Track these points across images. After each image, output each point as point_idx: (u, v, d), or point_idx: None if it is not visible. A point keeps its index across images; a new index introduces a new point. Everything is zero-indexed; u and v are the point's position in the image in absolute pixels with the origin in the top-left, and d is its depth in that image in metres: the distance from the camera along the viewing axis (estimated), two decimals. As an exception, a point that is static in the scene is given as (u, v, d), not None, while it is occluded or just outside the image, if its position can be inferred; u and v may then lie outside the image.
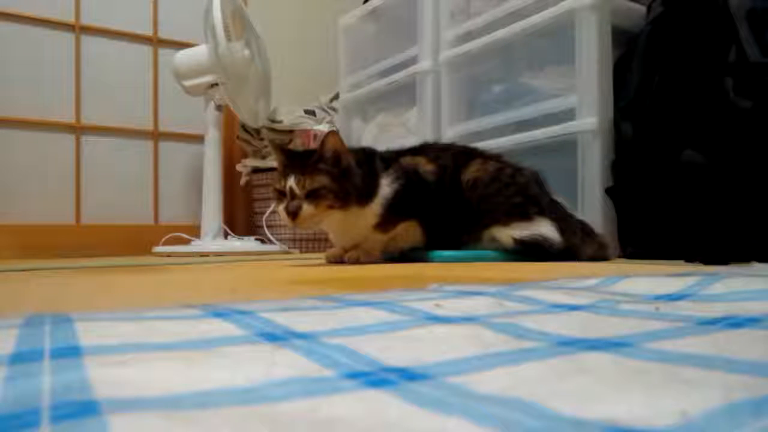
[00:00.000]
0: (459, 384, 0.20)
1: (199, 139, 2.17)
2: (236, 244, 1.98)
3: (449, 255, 1.14)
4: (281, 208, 1.08)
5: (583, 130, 1.29)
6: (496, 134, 1.52)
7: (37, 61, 2.12)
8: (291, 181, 1.06)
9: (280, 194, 1.08)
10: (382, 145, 1.52)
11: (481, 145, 1.43)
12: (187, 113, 2.33)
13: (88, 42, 2.22)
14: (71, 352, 0.23)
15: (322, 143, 1.09)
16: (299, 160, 1.09)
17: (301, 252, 2.13)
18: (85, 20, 2.21)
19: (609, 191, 1.26)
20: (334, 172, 1.07)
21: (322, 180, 1.06)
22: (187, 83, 1.98)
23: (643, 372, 0.21)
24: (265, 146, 2.26)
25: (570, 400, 0.18)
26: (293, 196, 1.06)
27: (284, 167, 1.09)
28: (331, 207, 1.07)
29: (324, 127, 2.23)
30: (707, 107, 1.09)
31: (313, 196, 1.06)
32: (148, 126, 2.34)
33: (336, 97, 2.33)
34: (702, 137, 1.10)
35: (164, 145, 2.38)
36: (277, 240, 2.14)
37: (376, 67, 1.97)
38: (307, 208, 1.05)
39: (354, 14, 2.10)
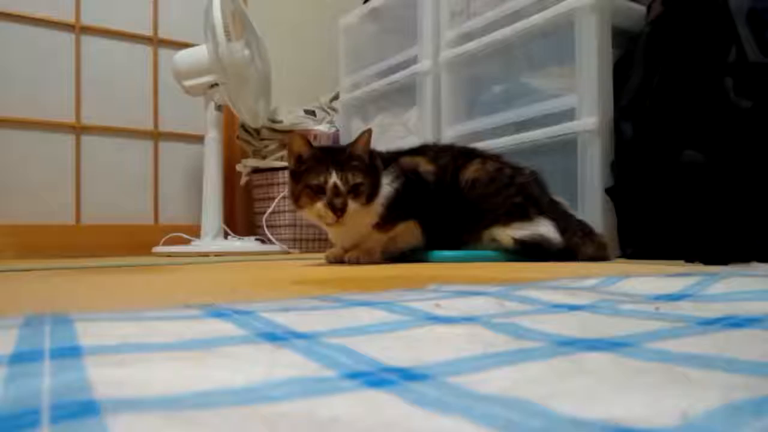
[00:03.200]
0: (459, 384, 0.20)
1: (199, 139, 2.17)
2: (236, 244, 1.98)
3: (449, 255, 1.14)
4: (320, 204, 1.05)
5: (583, 130, 1.29)
6: (496, 134, 1.52)
7: (37, 61, 2.12)
8: (334, 177, 1.04)
9: (317, 191, 1.06)
10: (382, 145, 1.52)
11: (481, 145, 1.43)
12: (187, 113, 2.33)
13: (88, 42, 2.22)
14: (71, 352, 0.23)
15: (358, 139, 1.09)
16: (333, 155, 1.08)
17: (301, 252, 2.13)
18: (85, 20, 2.21)
19: (609, 191, 1.26)
20: (363, 168, 1.08)
21: (360, 176, 1.06)
22: (187, 83, 1.98)
23: (643, 372, 0.21)
24: (266, 146, 2.26)
25: (570, 400, 0.18)
26: (337, 192, 1.05)
27: (318, 163, 1.07)
28: (363, 204, 1.07)
29: (324, 127, 2.23)
30: (707, 107, 1.09)
31: (354, 191, 1.06)
32: (148, 126, 2.34)
33: (336, 97, 2.33)
34: (702, 137, 1.10)
35: (164, 145, 2.38)
36: (277, 240, 2.14)
37: (376, 67, 1.97)
38: (352, 204, 1.05)
39: (354, 14, 2.10)
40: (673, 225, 1.14)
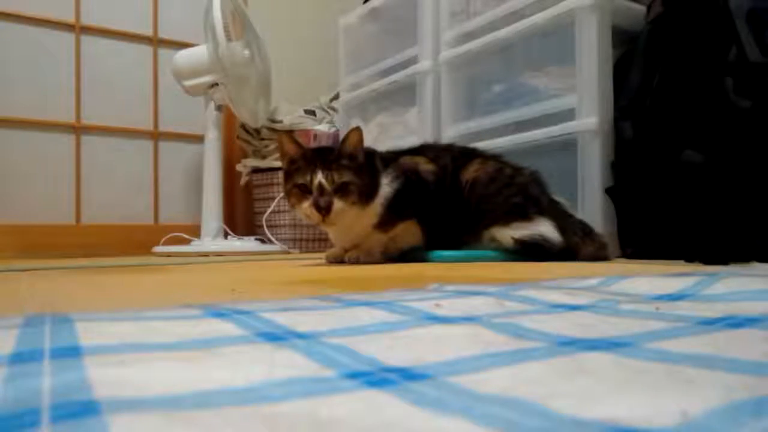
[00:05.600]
0: (459, 384, 0.20)
1: (199, 139, 2.17)
2: (236, 244, 1.98)
3: (449, 255, 1.14)
4: (307, 204, 1.05)
5: (583, 130, 1.29)
6: (496, 134, 1.52)
7: (37, 61, 2.12)
8: (319, 176, 1.04)
9: (303, 190, 1.06)
10: (382, 145, 1.52)
11: (481, 145, 1.43)
12: (187, 113, 2.33)
13: (88, 42, 2.22)
14: (71, 352, 0.23)
15: (346, 138, 1.08)
16: (321, 155, 1.07)
17: (301, 252, 2.13)
18: (85, 20, 2.21)
19: (609, 191, 1.26)
20: (354, 168, 1.07)
21: (348, 175, 1.05)
22: (187, 83, 1.98)
23: (643, 372, 0.21)
24: (266, 146, 2.26)
25: (570, 400, 0.18)
26: (322, 191, 1.04)
27: (306, 162, 1.07)
28: (354, 203, 1.06)
29: (324, 127, 2.23)
30: (707, 107, 1.09)
31: (341, 191, 1.05)
32: (148, 126, 2.34)
33: (336, 97, 2.33)
34: (702, 137, 1.10)
35: (164, 145, 2.38)
36: (277, 240, 2.14)
37: (376, 67, 1.97)
38: (337, 203, 1.04)
39: (354, 14, 2.10)
40: (673, 225, 1.14)
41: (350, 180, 1.05)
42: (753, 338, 0.28)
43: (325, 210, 1.04)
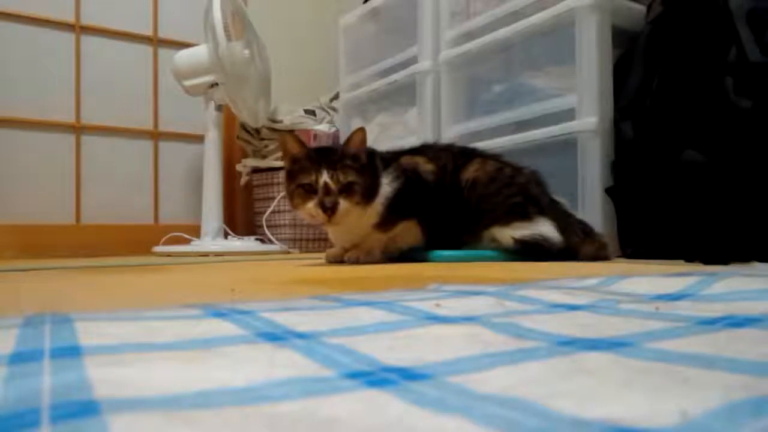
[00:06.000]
0: (459, 384, 0.20)
1: (199, 139, 2.17)
2: (236, 243, 1.98)
3: (449, 255, 1.14)
4: (312, 204, 1.05)
5: (583, 130, 1.29)
6: (496, 134, 1.52)
7: (37, 61, 2.12)
8: (325, 176, 1.03)
9: (308, 190, 1.06)
10: (382, 146, 1.52)
11: (481, 145, 1.43)
12: (187, 113, 2.33)
13: (88, 42, 2.22)
14: (71, 352, 0.24)
15: (350, 138, 1.08)
16: (325, 155, 1.07)
17: (301, 252, 2.13)
18: (85, 20, 2.21)
19: (609, 191, 1.26)
20: (358, 168, 1.07)
21: (352, 175, 1.05)
22: (187, 83, 1.98)
23: (643, 372, 0.21)
24: (266, 146, 2.26)
25: (570, 400, 0.18)
26: (328, 191, 1.04)
27: (311, 162, 1.06)
28: (358, 203, 1.06)
29: (324, 127, 2.23)
30: (707, 107, 1.09)
31: (346, 191, 1.05)
32: (148, 126, 2.34)
33: (336, 97, 2.33)
34: (702, 137, 1.10)
35: (164, 145, 2.38)
36: (277, 240, 2.14)
37: (376, 67, 1.97)
38: (343, 203, 1.04)
39: (354, 14, 2.10)
40: (673, 225, 1.14)
41: (355, 180, 1.05)
42: (753, 338, 0.28)
43: (330, 210, 1.04)
